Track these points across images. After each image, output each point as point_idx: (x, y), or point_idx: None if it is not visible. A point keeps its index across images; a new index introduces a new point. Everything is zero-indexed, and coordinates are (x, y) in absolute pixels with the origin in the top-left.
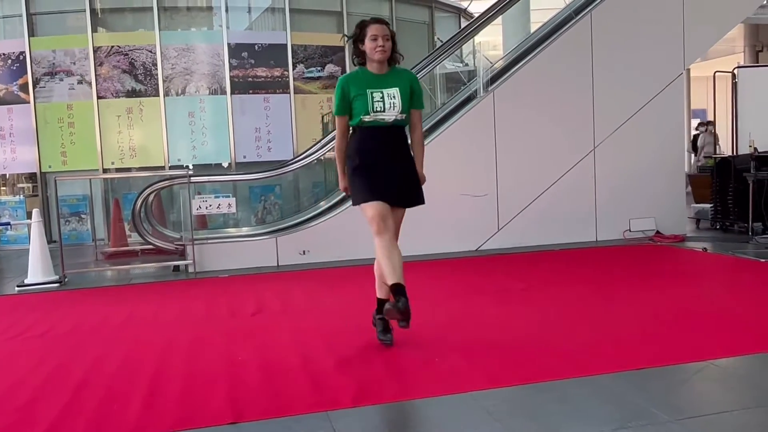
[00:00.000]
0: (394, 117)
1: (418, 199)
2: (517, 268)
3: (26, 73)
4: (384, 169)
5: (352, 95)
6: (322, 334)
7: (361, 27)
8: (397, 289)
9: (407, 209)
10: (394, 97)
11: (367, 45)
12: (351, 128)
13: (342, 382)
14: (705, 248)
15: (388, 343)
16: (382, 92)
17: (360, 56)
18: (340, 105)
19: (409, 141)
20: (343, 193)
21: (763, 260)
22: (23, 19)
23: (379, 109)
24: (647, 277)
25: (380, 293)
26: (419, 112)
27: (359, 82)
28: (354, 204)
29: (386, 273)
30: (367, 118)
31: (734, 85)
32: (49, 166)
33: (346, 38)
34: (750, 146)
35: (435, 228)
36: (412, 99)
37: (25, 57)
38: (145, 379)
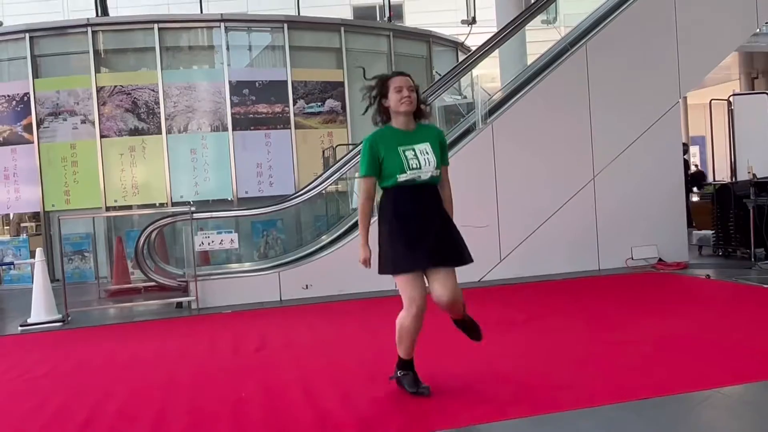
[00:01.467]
0: (430, 174)
1: (467, 256)
2: (519, 298)
3: (30, 113)
4: (425, 230)
5: (382, 155)
6: (326, 370)
7: (383, 81)
8: (408, 364)
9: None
10: (427, 153)
11: (392, 98)
12: (382, 189)
13: (345, 418)
14: (708, 275)
15: (426, 393)
16: (413, 149)
17: (384, 113)
18: (369, 165)
19: None
20: (345, 227)
21: (766, 286)
22: (27, 61)
23: (415, 166)
24: (650, 306)
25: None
26: (447, 169)
27: (387, 140)
28: (387, 273)
29: (404, 349)
30: (402, 177)
31: (731, 112)
32: (53, 205)
33: (363, 72)
34: (749, 172)
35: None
36: (442, 154)
37: (29, 98)
38: (149, 418)
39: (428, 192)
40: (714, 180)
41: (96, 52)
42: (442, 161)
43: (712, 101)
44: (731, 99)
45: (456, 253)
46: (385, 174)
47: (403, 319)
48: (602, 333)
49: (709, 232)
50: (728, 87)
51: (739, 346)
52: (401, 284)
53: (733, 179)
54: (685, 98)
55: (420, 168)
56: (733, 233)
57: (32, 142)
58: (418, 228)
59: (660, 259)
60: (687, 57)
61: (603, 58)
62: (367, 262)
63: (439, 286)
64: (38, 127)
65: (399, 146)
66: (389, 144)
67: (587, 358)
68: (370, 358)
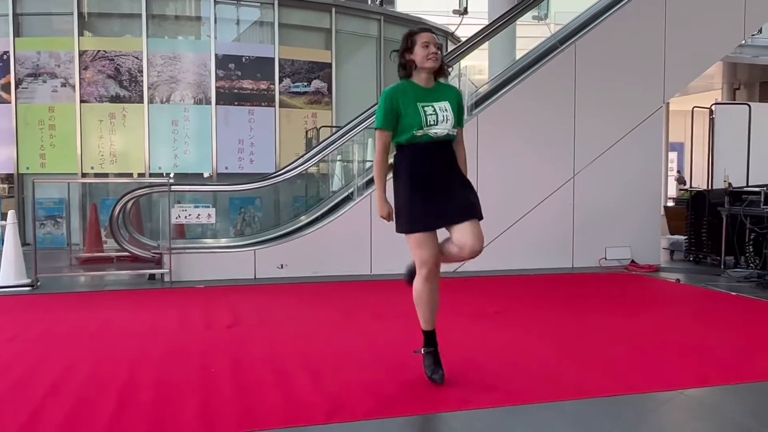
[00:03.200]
0: (446, 131)
1: (480, 211)
2: (493, 291)
3: (9, 72)
4: (442, 188)
5: (401, 109)
6: (298, 350)
7: (410, 36)
8: (430, 338)
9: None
10: (446, 110)
11: (418, 53)
12: (396, 146)
13: (315, 399)
14: (678, 279)
15: (437, 381)
16: (433, 106)
17: (406, 68)
18: (386, 118)
19: None
20: (324, 209)
21: (733, 293)
22: (9, 19)
23: (432, 122)
24: (620, 306)
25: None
26: (461, 130)
27: (407, 95)
28: (401, 232)
29: (423, 318)
30: (419, 133)
31: (711, 121)
32: (27, 168)
33: (394, 54)
34: (725, 181)
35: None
36: (459, 116)
37: (8, 57)
38: (116, 389)
39: (444, 150)
40: (690, 186)
41: (80, 15)
42: (459, 122)
43: (695, 108)
44: (713, 108)
45: (478, 209)
46: (401, 128)
47: (416, 283)
48: (571, 329)
49: (682, 238)
50: (710, 96)
51: (703, 350)
52: (413, 245)
53: (709, 187)
54: (668, 104)
55: (437, 124)
56: (705, 240)
57: (9, 102)
58: (437, 186)
59: (633, 261)
60: (673, 62)
61: (591, 58)
62: (389, 217)
63: (468, 234)
64: (17, 87)
65: (418, 102)
66: (409, 98)
67: (555, 352)
68: (342, 340)
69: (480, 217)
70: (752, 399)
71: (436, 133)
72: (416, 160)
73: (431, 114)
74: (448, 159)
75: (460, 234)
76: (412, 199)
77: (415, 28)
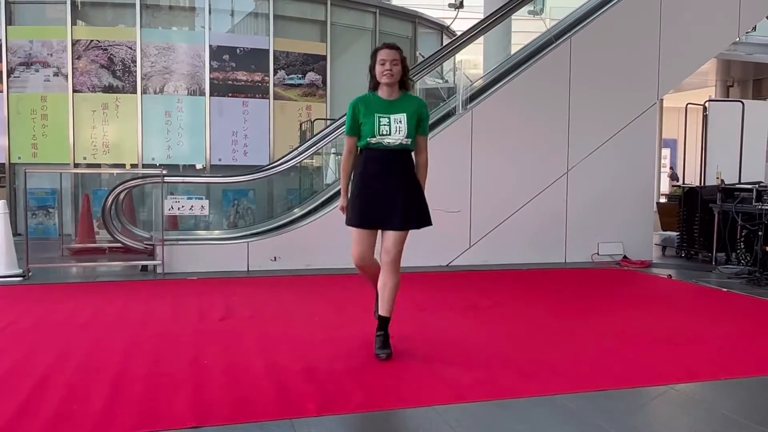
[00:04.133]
0: (398, 141)
1: (423, 220)
2: (486, 285)
3: (1, 62)
4: (385, 193)
5: (361, 118)
6: (290, 342)
7: (374, 53)
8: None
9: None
10: (400, 122)
11: (377, 69)
12: (359, 150)
13: (307, 391)
14: (670, 275)
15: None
16: (389, 117)
17: (373, 80)
18: (350, 125)
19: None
20: (317, 202)
21: (725, 290)
22: (1, 7)
23: (384, 132)
24: (612, 301)
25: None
26: (425, 138)
27: (369, 105)
28: (346, 223)
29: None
30: (373, 141)
31: (705, 118)
32: (19, 158)
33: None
34: (717, 178)
35: (407, 242)
36: (419, 125)
37: (0, 45)
38: (107, 380)
39: (396, 158)
40: (683, 183)
41: (73, 4)
42: (420, 131)
43: (688, 105)
44: (707, 104)
45: (415, 216)
46: (361, 135)
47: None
48: (564, 324)
49: (674, 234)
50: (704, 93)
51: (694, 345)
52: (352, 237)
53: (702, 184)
54: (662, 100)
55: (389, 134)
56: (697, 236)
57: (1, 92)
58: (382, 191)
59: (625, 257)
60: (668, 59)
61: (586, 53)
62: (343, 210)
63: (386, 245)
64: (8, 75)
65: (376, 113)
66: (369, 109)
67: (547, 347)
68: (335, 332)
69: (414, 227)
70: (742, 394)
71: (389, 142)
72: (368, 165)
73: (385, 125)
74: (400, 167)
75: (384, 241)
76: (358, 198)
77: (380, 44)
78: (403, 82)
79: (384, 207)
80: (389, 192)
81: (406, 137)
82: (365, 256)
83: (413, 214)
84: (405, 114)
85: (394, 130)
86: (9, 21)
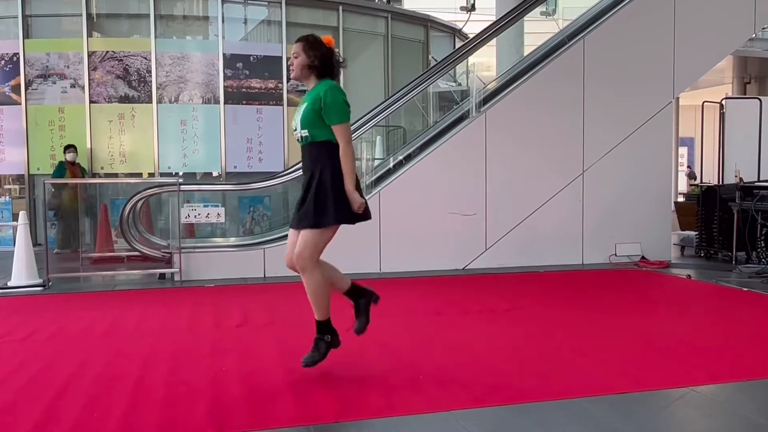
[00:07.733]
0: (299, 135)
1: (316, 219)
2: (503, 288)
3: (19, 74)
4: (303, 190)
5: None
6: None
7: None
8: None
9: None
10: (299, 113)
11: None
12: None
13: (325, 397)
14: (689, 275)
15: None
16: (299, 109)
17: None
18: None
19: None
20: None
21: (745, 289)
22: (18, 21)
23: (294, 127)
24: (631, 303)
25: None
26: (338, 126)
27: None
28: None
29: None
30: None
31: (722, 115)
32: (38, 169)
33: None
34: (736, 176)
35: (422, 246)
36: (324, 114)
37: (18, 58)
38: (127, 388)
39: (306, 152)
40: (701, 182)
41: (89, 16)
42: (328, 120)
43: (705, 103)
44: (724, 102)
45: (302, 217)
46: None
47: None
48: (583, 326)
49: (693, 233)
50: (720, 90)
51: (715, 346)
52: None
53: (720, 182)
54: (677, 99)
55: (296, 129)
56: (716, 235)
57: (20, 104)
58: (303, 188)
59: (643, 257)
60: (683, 57)
61: (600, 53)
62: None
63: (296, 243)
64: (26, 88)
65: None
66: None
67: (566, 350)
68: (351, 338)
69: (300, 228)
70: (764, 396)
71: (298, 137)
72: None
73: (295, 119)
74: (310, 161)
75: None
76: None
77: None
78: (323, 70)
79: (299, 206)
80: (307, 188)
81: (303, 128)
82: (290, 256)
83: (305, 212)
84: (306, 104)
85: (296, 122)
86: (26, 34)
